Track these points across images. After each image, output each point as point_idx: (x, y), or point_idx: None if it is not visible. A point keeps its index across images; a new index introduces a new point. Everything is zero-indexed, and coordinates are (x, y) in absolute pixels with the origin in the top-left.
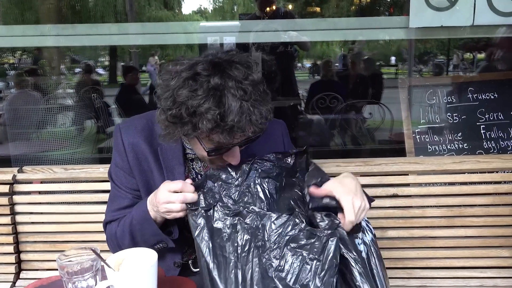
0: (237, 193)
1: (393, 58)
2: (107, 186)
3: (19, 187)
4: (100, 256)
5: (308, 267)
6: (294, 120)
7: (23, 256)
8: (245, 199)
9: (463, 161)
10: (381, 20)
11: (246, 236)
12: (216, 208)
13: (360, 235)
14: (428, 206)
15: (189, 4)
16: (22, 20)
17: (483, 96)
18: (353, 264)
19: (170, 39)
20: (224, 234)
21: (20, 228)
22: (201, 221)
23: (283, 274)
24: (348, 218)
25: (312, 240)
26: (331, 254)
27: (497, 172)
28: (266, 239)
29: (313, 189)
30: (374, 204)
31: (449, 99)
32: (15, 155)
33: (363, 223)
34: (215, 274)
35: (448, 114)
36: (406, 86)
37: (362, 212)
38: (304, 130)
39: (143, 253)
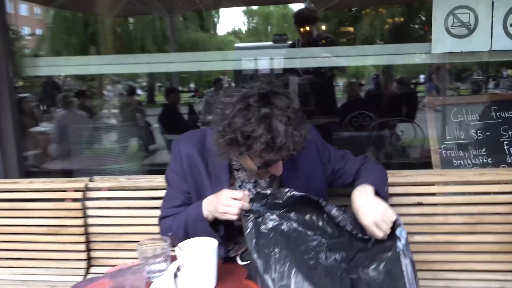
0: (279, 211)
1: (421, 77)
2: (164, 193)
3: (90, 194)
4: (173, 242)
5: None
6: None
7: (92, 254)
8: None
9: (483, 173)
10: (406, 46)
11: (284, 240)
12: (264, 217)
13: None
14: (451, 214)
15: (224, 25)
16: (69, 44)
17: (506, 114)
18: None
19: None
20: (268, 237)
21: (91, 229)
22: (250, 225)
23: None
24: (377, 236)
25: None
26: None
27: None
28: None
29: None
30: (401, 211)
31: (473, 117)
32: (73, 169)
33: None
34: (259, 264)
35: (473, 131)
36: (432, 105)
37: (383, 224)
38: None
39: (205, 241)
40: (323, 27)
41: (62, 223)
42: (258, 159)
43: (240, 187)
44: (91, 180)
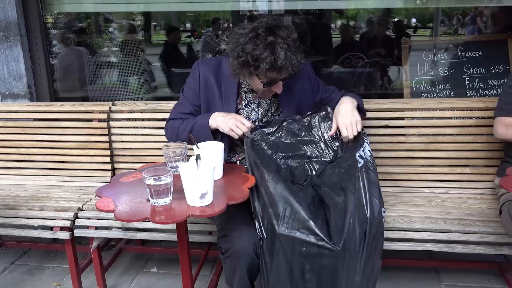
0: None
1: (413, 20)
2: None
3: (113, 116)
4: (194, 140)
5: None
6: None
7: (116, 165)
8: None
9: (440, 102)
10: None
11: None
12: (259, 142)
13: (359, 151)
14: (411, 135)
15: None
16: None
17: (469, 54)
18: None
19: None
20: (261, 152)
21: (114, 145)
22: (249, 142)
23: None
24: (343, 134)
25: None
26: None
27: (465, 110)
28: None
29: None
30: (371, 132)
31: (442, 56)
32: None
33: (365, 144)
34: (258, 161)
35: (440, 68)
36: (407, 45)
37: (352, 125)
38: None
39: (215, 143)
40: None
41: (90, 140)
42: (264, 78)
43: (246, 106)
44: (113, 104)
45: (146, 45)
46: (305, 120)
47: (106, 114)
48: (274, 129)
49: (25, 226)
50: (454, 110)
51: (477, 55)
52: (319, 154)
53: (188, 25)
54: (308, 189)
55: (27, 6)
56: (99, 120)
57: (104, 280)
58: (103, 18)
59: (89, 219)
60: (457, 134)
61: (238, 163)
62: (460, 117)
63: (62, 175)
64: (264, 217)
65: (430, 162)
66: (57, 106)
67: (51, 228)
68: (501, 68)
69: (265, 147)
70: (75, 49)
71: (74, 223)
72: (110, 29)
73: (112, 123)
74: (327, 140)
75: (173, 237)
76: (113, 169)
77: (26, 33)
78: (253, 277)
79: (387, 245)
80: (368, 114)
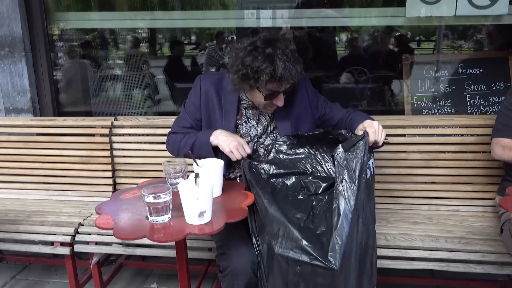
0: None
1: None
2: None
3: (115, 130)
4: (193, 157)
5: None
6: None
7: (117, 180)
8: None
9: (440, 119)
10: (385, 10)
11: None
12: (257, 166)
13: (369, 163)
14: (411, 152)
15: None
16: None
17: (470, 71)
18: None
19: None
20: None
21: (116, 160)
22: (246, 164)
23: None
24: (371, 135)
25: None
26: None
27: (466, 127)
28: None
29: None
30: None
31: (442, 73)
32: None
33: (371, 163)
34: (254, 183)
35: (441, 85)
36: (408, 62)
37: (381, 131)
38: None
39: (215, 161)
40: None
41: (92, 154)
42: (265, 90)
43: (245, 122)
44: (116, 119)
45: (150, 57)
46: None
47: (108, 129)
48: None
49: (26, 241)
50: (454, 127)
51: (478, 72)
52: (314, 170)
53: (193, 38)
54: (309, 199)
55: (32, 22)
56: (101, 135)
57: None
58: (109, 31)
59: (90, 234)
60: (458, 152)
61: (237, 179)
62: (461, 135)
63: (64, 190)
64: (260, 236)
65: (431, 179)
66: (59, 120)
67: (52, 243)
68: (502, 85)
69: (262, 170)
70: (79, 62)
71: (74, 239)
72: (114, 42)
73: (114, 138)
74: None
75: (173, 253)
76: (115, 184)
77: (30, 49)
78: None
79: (388, 264)
80: None
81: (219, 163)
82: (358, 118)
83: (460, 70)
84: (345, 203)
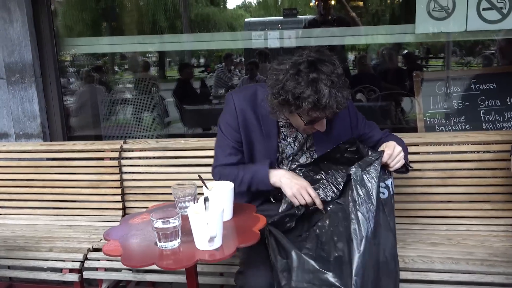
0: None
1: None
2: (188, 153)
3: (125, 154)
4: (203, 180)
5: None
6: None
7: (127, 204)
8: None
9: (455, 136)
10: (394, 27)
11: None
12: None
13: (387, 182)
14: (427, 170)
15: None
16: (81, 20)
17: (483, 87)
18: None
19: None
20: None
21: (125, 184)
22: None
23: None
24: (385, 156)
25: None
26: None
27: (482, 144)
28: None
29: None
30: None
31: (455, 89)
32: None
33: (389, 182)
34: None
35: (454, 101)
36: (419, 79)
37: (398, 157)
38: None
39: (225, 183)
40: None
41: (101, 178)
42: (306, 117)
43: (283, 139)
44: (125, 142)
45: (160, 80)
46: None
47: (118, 152)
48: None
49: (35, 268)
50: (470, 144)
51: (491, 87)
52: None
53: (201, 60)
54: (312, 229)
55: (42, 48)
56: (111, 158)
57: None
58: (120, 56)
59: (99, 260)
60: (475, 169)
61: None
62: (477, 151)
63: (73, 215)
64: (277, 264)
65: (448, 198)
66: (69, 145)
67: (61, 269)
68: None
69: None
70: (95, 87)
71: (83, 265)
72: (125, 66)
73: (123, 162)
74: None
75: (184, 279)
76: (124, 208)
77: (40, 74)
78: None
79: (407, 287)
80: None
81: (229, 186)
82: (390, 138)
83: (472, 86)
84: (363, 224)
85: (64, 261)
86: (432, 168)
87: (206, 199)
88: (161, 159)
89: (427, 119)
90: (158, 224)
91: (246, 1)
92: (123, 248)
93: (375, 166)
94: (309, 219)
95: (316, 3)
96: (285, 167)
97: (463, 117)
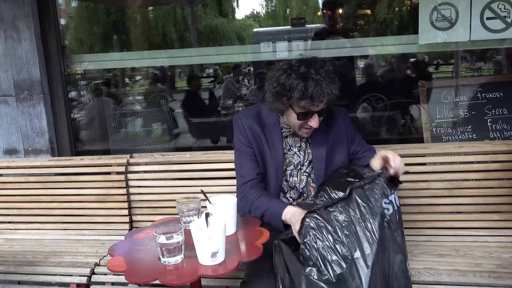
0: None
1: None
2: (194, 167)
3: (131, 168)
4: (205, 195)
5: None
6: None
7: (134, 218)
8: None
9: (461, 146)
10: (397, 38)
11: None
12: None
13: (390, 198)
14: (433, 180)
15: (242, 10)
16: (92, 33)
17: (490, 95)
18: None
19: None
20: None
21: (132, 197)
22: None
23: None
24: (391, 164)
25: None
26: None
27: (488, 154)
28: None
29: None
30: None
31: (461, 98)
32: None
33: (393, 198)
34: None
35: (460, 110)
36: (425, 88)
37: (400, 163)
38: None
39: (228, 197)
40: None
41: (108, 193)
42: (298, 108)
43: (289, 150)
44: (131, 157)
45: (170, 91)
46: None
47: (124, 166)
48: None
49: (44, 283)
50: (477, 154)
51: (498, 95)
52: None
53: (210, 71)
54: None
55: (50, 65)
56: (118, 173)
57: None
58: (129, 68)
59: (106, 275)
60: (482, 179)
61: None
62: (484, 161)
63: (81, 229)
64: (285, 281)
65: (455, 209)
66: (76, 160)
67: (68, 284)
68: None
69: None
70: (104, 100)
71: (90, 279)
72: (135, 78)
73: (130, 176)
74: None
75: None
76: (131, 222)
77: (48, 91)
78: None
79: None
80: None
81: (232, 200)
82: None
83: (479, 95)
84: (367, 240)
85: (72, 275)
86: (438, 179)
87: (207, 215)
88: (167, 173)
89: (434, 129)
90: (161, 239)
91: (255, 11)
92: (127, 263)
93: (377, 183)
94: None
95: (324, 12)
96: (295, 178)
97: (469, 126)
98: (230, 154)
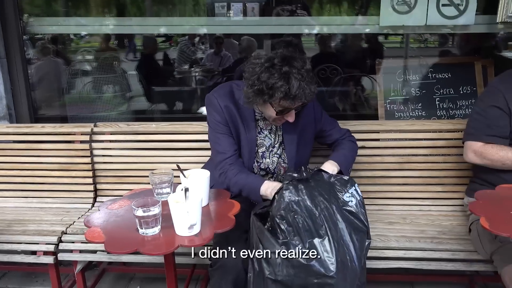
0: None
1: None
2: (159, 137)
3: (96, 137)
4: (180, 169)
5: None
6: None
7: (98, 186)
8: None
9: (413, 124)
10: (360, 18)
11: None
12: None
13: (350, 191)
14: (386, 155)
15: None
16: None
17: (439, 75)
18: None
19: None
20: None
21: (97, 166)
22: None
23: None
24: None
25: None
26: None
27: (435, 132)
28: None
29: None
30: None
31: (413, 77)
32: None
33: (353, 190)
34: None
35: (412, 89)
36: (381, 67)
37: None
38: None
39: (201, 171)
40: None
41: (72, 161)
42: (278, 106)
43: (259, 133)
44: (95, 125)
45: (121, 51)
46: None
47: (88, 135)
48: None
49: (8, 251)
50: (426, 132)
51: (447, 76)
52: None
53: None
54: None
55: (6, 28)
56: (81, 141)
57: None
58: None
59: (73, 242)
60: (429, 155)
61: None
62: (432, 139)
63: (44, 197)
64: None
65: (404, 181)
66: (37, 127)
67: (34, 252)
68: (468, 89)
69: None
70: (52, 60)
71: (58, 247)
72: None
73: (94, 145)
74: None
75: (158, 258)
76: (96, 190)
77: (5, 55)
78: None
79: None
80: None
81: (206, 174)
82: (339, 150)
83: (430, 75)
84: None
85: (38, 243)
86: (391, 153)
87: (186, 189)
88: (133, 143)
89: (387, 105)
90: (139, 212)
91: None
92: (106, 234)
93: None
94: None
95: None
96: (268, 160)
97: (420, 104)
98: (195, 126)
